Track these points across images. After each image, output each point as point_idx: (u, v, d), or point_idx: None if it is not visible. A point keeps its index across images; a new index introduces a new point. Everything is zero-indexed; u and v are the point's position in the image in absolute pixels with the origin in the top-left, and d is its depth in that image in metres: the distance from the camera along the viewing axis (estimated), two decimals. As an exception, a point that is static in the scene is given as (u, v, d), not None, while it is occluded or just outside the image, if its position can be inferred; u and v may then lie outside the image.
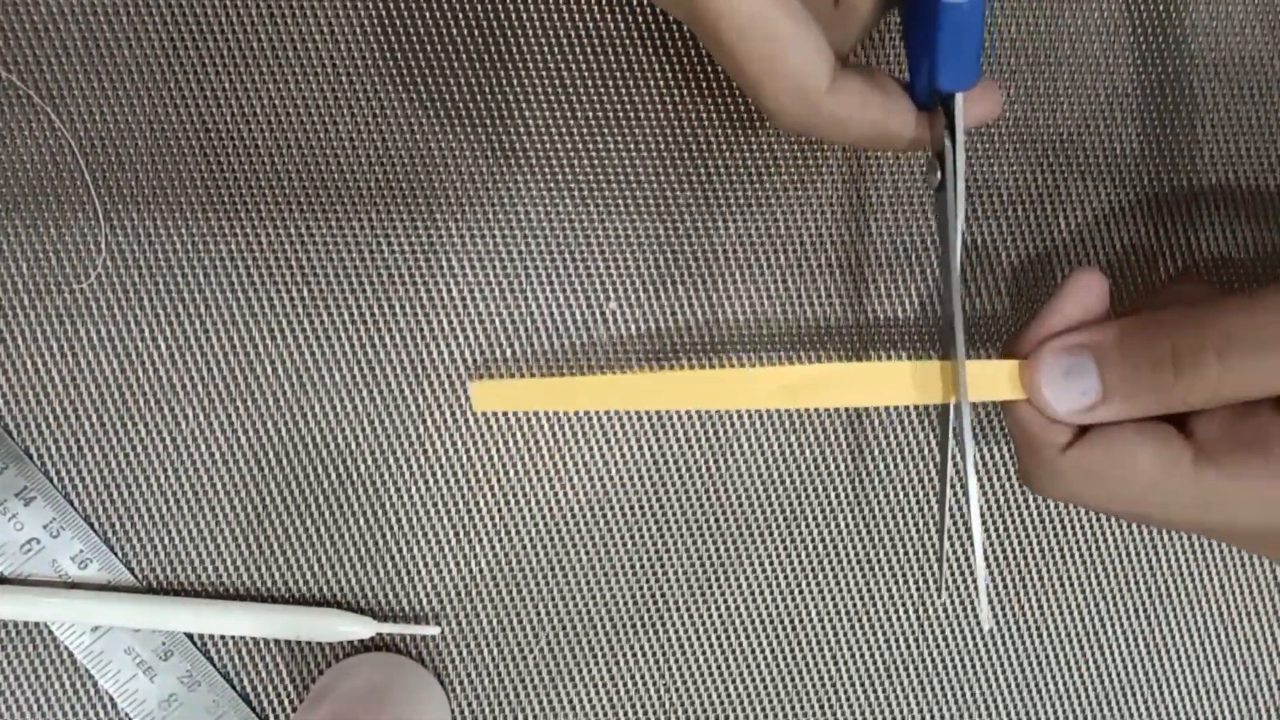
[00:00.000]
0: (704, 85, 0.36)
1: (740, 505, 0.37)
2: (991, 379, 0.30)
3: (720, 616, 0.38)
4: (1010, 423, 0.31)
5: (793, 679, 0.38)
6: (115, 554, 0.36)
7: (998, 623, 0.39)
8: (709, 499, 0.37)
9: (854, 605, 0.38)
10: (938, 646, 0.39)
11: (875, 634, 0.38)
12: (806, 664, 0.38)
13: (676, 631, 0.38)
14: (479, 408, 0.33)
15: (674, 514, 0.37)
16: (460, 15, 0.35)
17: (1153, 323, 0.29)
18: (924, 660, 0.39)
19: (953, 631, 0.38)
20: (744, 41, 0.27)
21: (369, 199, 0.36)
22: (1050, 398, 0.29)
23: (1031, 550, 0.38)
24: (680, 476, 0.37)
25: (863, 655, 0.38)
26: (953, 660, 0.39)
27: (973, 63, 0.28)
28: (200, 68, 0.35)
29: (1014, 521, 0.38)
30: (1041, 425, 0.30)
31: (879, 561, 0.38)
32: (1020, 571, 0.38)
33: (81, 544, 0.36)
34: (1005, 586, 0.38)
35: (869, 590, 0.38)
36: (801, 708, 0.38)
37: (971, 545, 0.35)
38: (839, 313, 0.37)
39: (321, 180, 0.36)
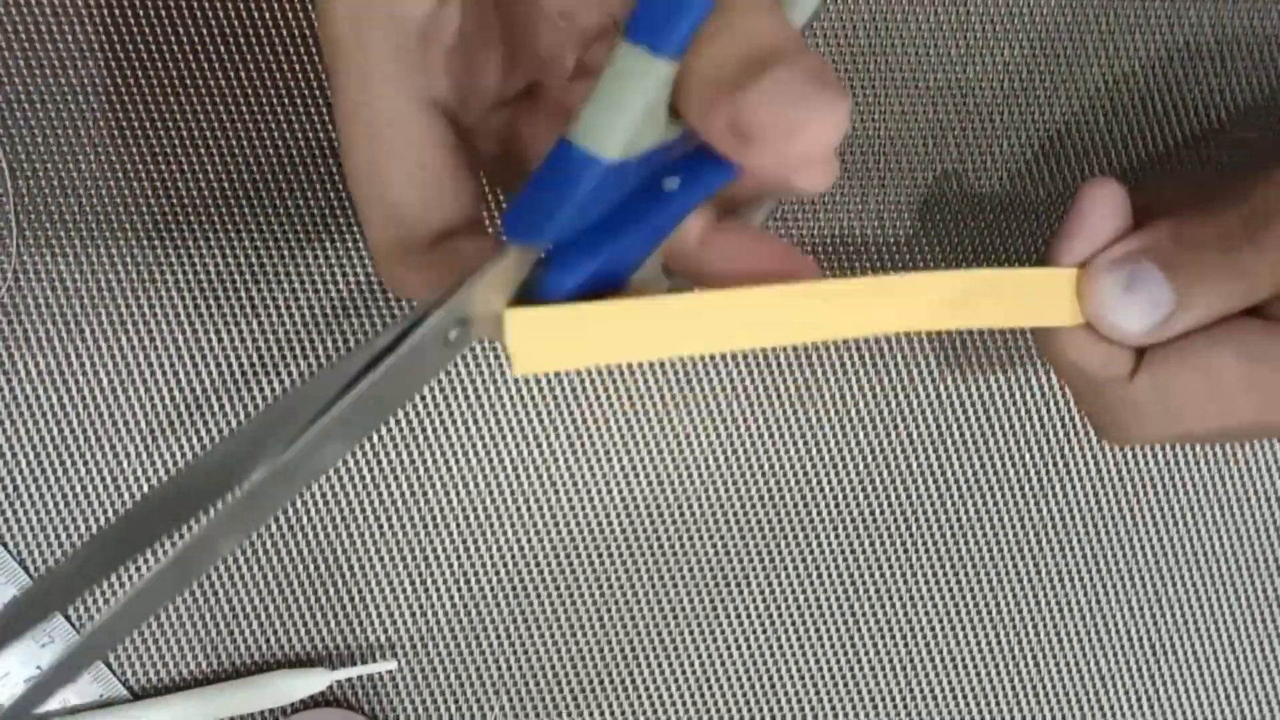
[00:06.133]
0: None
1: (716, 553, 0.35)
2: (1047, 296, 0.26)
3: (694, 672, 0.36)
4: (1061, 366, 0.28)
5: (772, 740, 0.36)
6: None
7: (991, 668, 0.36)
8: (682, 546, 0.35)
9: (837, 661, 0.36)
10: (925, 703, 0.36)
11: (859, 693, 0.36)
12: (787, 724, 0.36)
13: (647, 688, 0.36)
14: (520, 369, 0.23)
15: (644, 563, 0.35)
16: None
17: (1202, 208, 0.26)
18: (910, 718, 0.36)
19: (941, 686, 0.36)
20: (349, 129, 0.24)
21: (322, 229, 0.34)
22: (1117, 318, 0.26)
23: (1034, 577, 0.36)
24: (651, 521, 0.35)
25: (845, 716, 0.36)
26: (944, 714, 0.36)
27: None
28: (148, 91, 0.33)
29: (1017, 540, 0.36)
30: (1099, 358, 0.27)
31: (864, 615, 0.36)
32: (1022, 611, 0.36)
33: (15, 590, 0.34)
34: (1007, 620, 0.36)
35: (853, 646, 0.36)
36: (782, 771, 0.36)
37: None
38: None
39: (273, 208, 0.34)
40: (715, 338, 0.24)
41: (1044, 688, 0.37)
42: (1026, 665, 0.36)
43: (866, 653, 0.36)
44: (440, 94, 0.24)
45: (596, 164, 0.22)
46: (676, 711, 0.36)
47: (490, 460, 0.35)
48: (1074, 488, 0.36)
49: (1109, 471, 0.36)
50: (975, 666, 0.36)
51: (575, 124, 0.22)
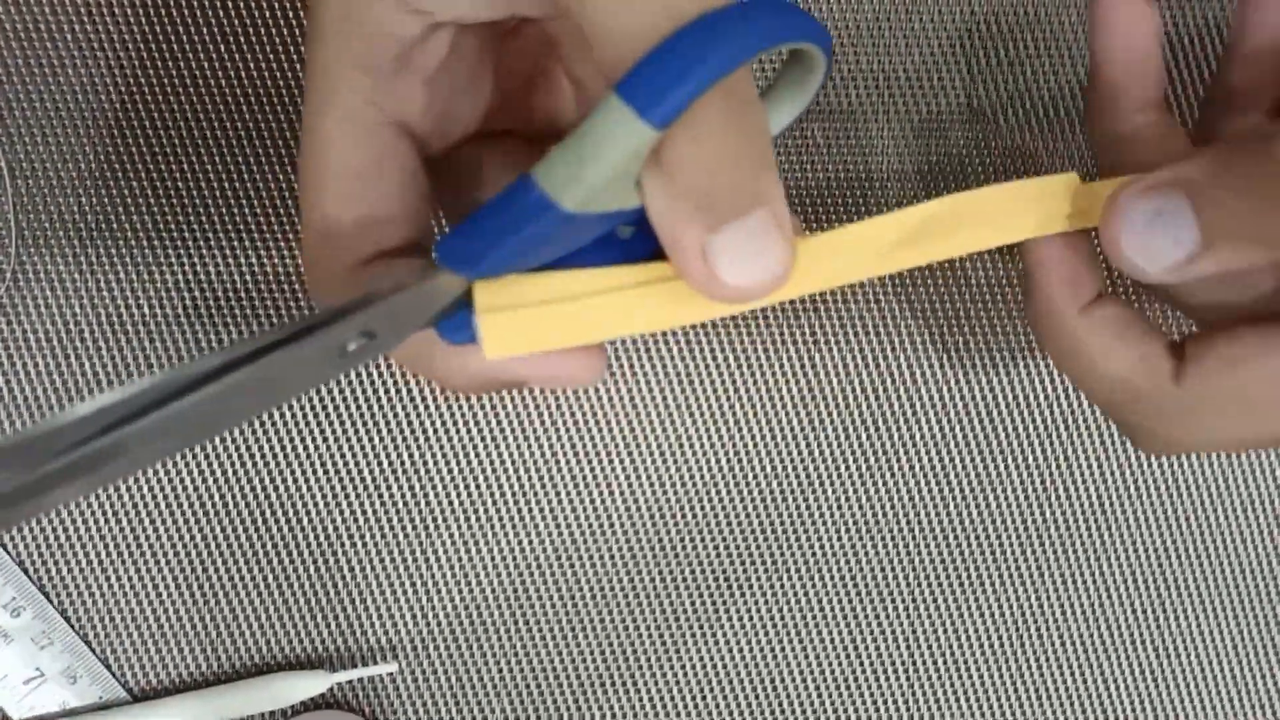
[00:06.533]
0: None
1: (717, 555, 0.35)
2: (1041, 206, 0.24)
3: (696, 675, 0.35)
4: (1094, 379, 0.25)
5: (774, 743, 0.36)
6: (50, 602, 0.34)
7: (994, 671, 0.36)
8: (683, 548, 0.35)
9: (839, 664, 0.36)
10: (928, 706, 0.36)
11: (861, 696, 0.36)
12: (789, 727, 0.36)
13: (648, 691, 0.35)
14: (491, 353, 0.23)
15: (645, 564, 0.35)
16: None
17: (1253, 140, 0.23)
18: (916, 724, 0.36)
19: (944, 689, 0.36)
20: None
21: (323, 226, 0.34)
22: (1134, 253, 0.23)
23: (1031, 592, 0.36)
24: (652, 523, 0.35)
25: (847, 718, 0.36)
26: (946, 717, 0.36)
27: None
28: (148, 91, 0.33)
29: (1020, 543, 0.36)
30: (1145, 359, 0.24)
31: (867, 618, 0.36)
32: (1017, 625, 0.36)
33: (14, 591, 0.34)
34: (999, 634, 0.36)
35: (855, 649, 0.36)
36: (784, 774, 0.36)
37: None
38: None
39: (273, 209, 0.34)
40: (690, 309, 0.23)
41: (1047, 691, 0.36)
42: (1030, 668, 0.36)
43: (869, 655, 0.36)
44: (410, 118, 0.24)
45: (552, 210, 0.21)
46: (677, 714, 0.36)
47: (491, 462, 0.35)
48: (1077, 490, 0.36)
49: (1112, 474, 0.36)
50: (978, 669, 0.36)
51: (542, 164, 0.21)
